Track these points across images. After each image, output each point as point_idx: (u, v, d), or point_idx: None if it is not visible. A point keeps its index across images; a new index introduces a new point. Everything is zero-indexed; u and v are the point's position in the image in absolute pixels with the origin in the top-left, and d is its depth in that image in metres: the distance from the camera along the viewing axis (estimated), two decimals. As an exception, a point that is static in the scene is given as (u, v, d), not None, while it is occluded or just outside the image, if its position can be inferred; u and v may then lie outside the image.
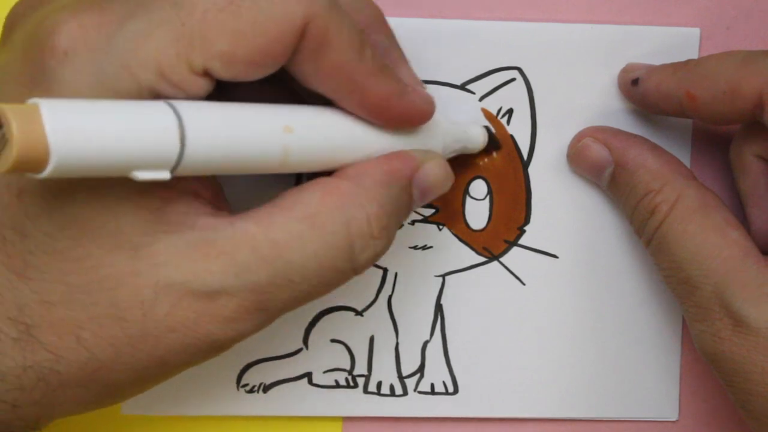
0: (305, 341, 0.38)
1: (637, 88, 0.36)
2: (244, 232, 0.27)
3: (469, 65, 0.37)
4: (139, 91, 0.25)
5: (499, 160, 0.38)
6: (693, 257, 0.33)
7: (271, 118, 0.28)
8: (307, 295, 0.29)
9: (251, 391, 0.38)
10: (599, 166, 0.36)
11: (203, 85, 0.26)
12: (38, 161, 0.22)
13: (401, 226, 0.34)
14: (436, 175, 0.32)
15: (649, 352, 0.39)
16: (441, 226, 0.38)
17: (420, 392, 0.38)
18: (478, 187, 0.38)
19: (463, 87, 0.37)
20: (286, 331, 0.38)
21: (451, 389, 0.38)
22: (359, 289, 0.38)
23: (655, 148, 0.36)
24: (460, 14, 0.37)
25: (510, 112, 0.38)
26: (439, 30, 0.37)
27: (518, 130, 0.38)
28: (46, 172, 0.22)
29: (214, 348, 0.28)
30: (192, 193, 0.28)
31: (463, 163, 0.37)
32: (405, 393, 0.38)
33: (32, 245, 0.27)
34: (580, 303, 0.38)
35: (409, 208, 0.31)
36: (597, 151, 0.36)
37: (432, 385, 0.38)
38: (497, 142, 0.37)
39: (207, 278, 0.27)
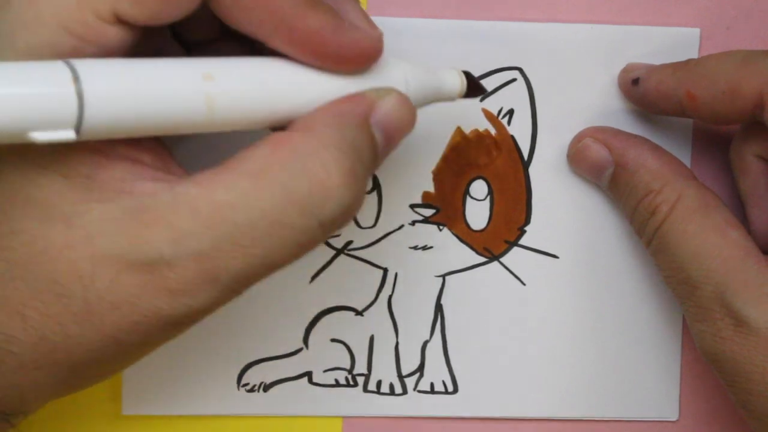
0: (305, 341, 0.38)
1: (638, 88, 0.36)
2: (184, 195, 0.25)
3: (469, 66, 0.37)
4: (40, 49, 0.24)
5: (500, 161, 0.38)
6: (693, 257, 0.33)
7: (189, 68, 0.26)
8: (266, 260, 0.26)
9: (252, 390, 0.38)
10: (599, 166, 0.36)
11: (117, 35, 0.25)
12: None
13: (372, 175, 0.30)
14: (395, 109, 0.28)
15: (649, 352, 0.39)
16: (441, 227, 0.38)
17: (420, 391, 0.39)
18: (479, 188, 0.38)
19: (463, 87, 0.37)
20: (286, 331, 0.38)
21: (450, 388, 0.39)
22: (359, 289, 0.38)
23: (655, 148, 0.36)
24: (461, 15, 0.37)
25: (511, 112, 0.38)
26: (440, 30, 0.37)
27: (519, 130, 0.38)
28: None
29: (167, 325, 0.26)
30: (127, 159, 0.26)
31: (463, 164, 0.37)
32: (405, 392, 0.39)
33: None
34: (581, 303, 0.38)
35: (374, 152, 0.28)
36: (597, 151, 0.36)
37: (432, 385, 0.39)
38: (480, 86, 0.33)
39: (144, 247, 0.25)
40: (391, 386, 0.38)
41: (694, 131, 0.38)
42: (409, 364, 0.38)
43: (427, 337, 0.38)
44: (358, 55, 0.28)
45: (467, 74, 0.32)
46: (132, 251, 0.25)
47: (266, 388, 0.38)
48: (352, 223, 0.38)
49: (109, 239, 0.25)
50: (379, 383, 0.38)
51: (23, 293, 0.26)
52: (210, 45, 0.30)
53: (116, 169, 0.26)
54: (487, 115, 0.37)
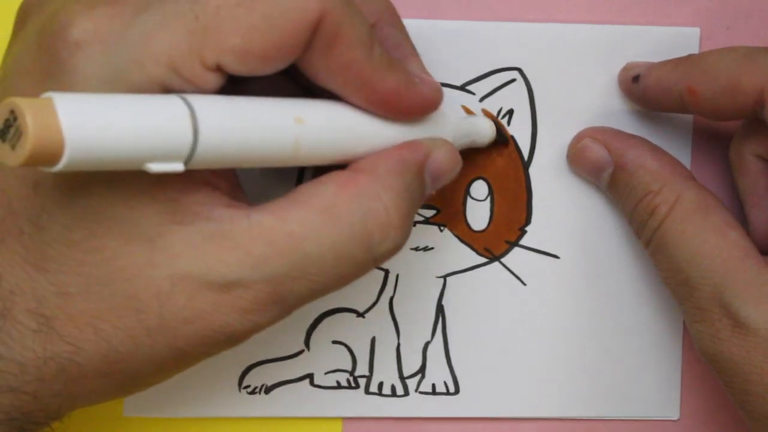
0: (307, 343, 0.38)
1: (638, 85, 0.36)
2: (260, 224, 0.27)
3: (469, 66, 0.37)
4: (150, 84, 0.25)
5: (500, 161, 0.38)
6: (692, 258, 0.33)
7: (283, 110, 0.28)
8: (325, 287, 0.29)
9: (253, 392, 0.38)
10: (599, 166, 0.36)
11: (215, 80, 0.26)
12: (52, 155, 0.22)
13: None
14: (446, 159, 0.32)
15: (650, 351, 0.39)
16: (442, 227, 0.38)
17: (421, 393, 0.38)
18: (479, 188, 0.38)
19: (463, 88, 0.37)
20: (287, 333, 0.38)
21: (452, 389, 0.39)
22: (360, 291, 0.38)
23: (654, 149, 0.36)
24: (461, 15, 0.37)
25: (510, 112, 0.38)
26: (440, 31, 0.37)
27: (519, 130, 0.38)
28: (60, 166, 0.22)
29: (231, 339, 0.28)
30: (208, 185, 0.28)
31: (463, 164, 0.37)
32: (406, 393, 0.39)
33: (49, 237, 0.27)
34: (581, 303, 0.38)
35: (423, 196, 0.31)
36: (596, 151, 0.36)
37: (433, 386, 0.39)
38: (505, 136, 0.37)
39: (223, 270, 0.27)
40: (393, 388, 0.38)
41: (694, 132, 0.38)
42: (410, 366, 0.38)
43: (429, 338, 0.38)
44: (424, 107, 0.31)
45: (496, 123, 0.37)
46: (211, 273, 0.27)
47: (268, 390, 0.38)
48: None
49: (189, 261, 0.27)
50: (380, 385, 0.38)
51: (98, 307, 0.27)
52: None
53: (198, 194, 0.27)
54: (487, 115, 0.37)
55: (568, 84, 0.38)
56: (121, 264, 0.27)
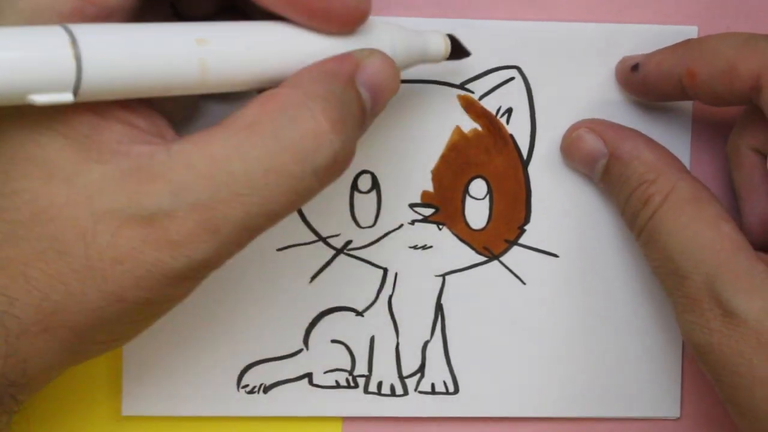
0: (305, 342, 0.38)
1: (637, 74, 0.36)
2: (180, 152, 0.26)
3: (468, 64, 0.37)
4: (41, 10, 0.25)
5: (499, 160, 0.38)
6: (684, 248, 0.33)
7: (182, 32, 0.27)
8: (264, 208, 0.27)
9: (251, 391, 0.38)
10: (593, 157, 0.36)
11: None
12: None
13: (361, 134, 0.31)
14: (379, 70, 0.30)
15: (650, 350, 0.38)
16: (441, 226, 0.38)
17: (420, 392, 0.38)
18: (478, 187, 0.38)
19: (462, 86, 0.37)
20: (286, 332, 0.38)
21: (451, 389, 0.38)
22: (359, 290, 0.38)
23: (649, 141, 0.36)
24: (459, 14, 0.37)
25: (509, 111, 0.38)
26: (439, 29, 0.37)
27: (518, 129, 0.38)
28: None
29: (170, 279, 0.27)
30: (125, 122, 0.27)
31: (463, 163, 0.37)
32: (405, 393, 0.38)
33: None
34: (581, 302, 0.38)
35: (361, 110, 0.29)
36: (592, 142, 0.36)
37: (432, 385, 0.38)
38: (464, 49, 0.35)
39: (144, 201, 0.26)
40: (392, 387, 0.38)
41: (693, 127, 0.38)
42: (409, 365, 0.38)
43: (428, 338, 0.38)
44: (347, 15, 0.29)
45: (452, 37, 0.34)
46: (132, 206, 0.26)
47: (266, 389, 0.38)
48: (352, 222, 0.38)
49: (109, 197, 0.26)
50: (379, 384, 0.38)
51: (26, 253, 0.26)
52: (207, 20, 0.30)
53: (113, 132, 0.27)
54: (488, 113, 0.37)
55: (567, 82, 0.38)
56: (41, 205, 0.26)
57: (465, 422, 0.39)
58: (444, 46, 0.33)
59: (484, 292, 0.38)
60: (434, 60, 0.34)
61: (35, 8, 0.25)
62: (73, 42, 0.25)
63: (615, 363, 0.38)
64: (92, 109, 0.26)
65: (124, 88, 0.26)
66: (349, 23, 0.30)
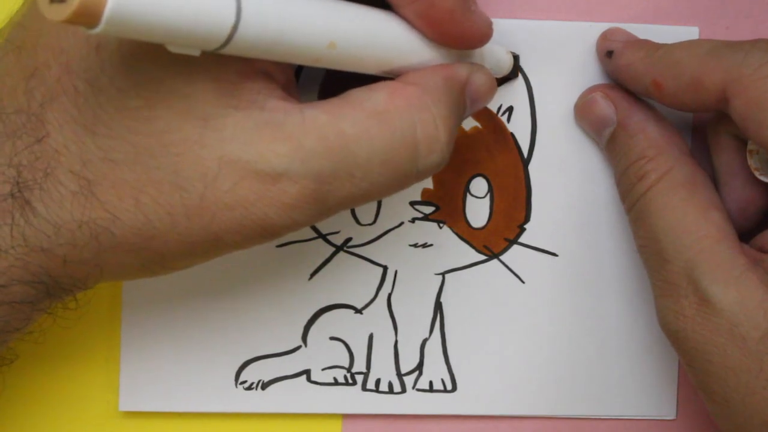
0: (304, 338, 0.38)
1: (610, 61, 0.36)
2: (313, 119, 0.27)
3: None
4: None
5: (500, 158, 0.38)
6: (670, 230, 0.33)
7: (320, 20, 0.28)
8: (366, 194, 0.29)
9: (250, 388, 0.38)
10: (602, 122, 0.36)
11: None
12: (93, 15, 0.22)
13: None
14: (485, 83, 0.32)
15: (647, 350, 0.39)
16: (441, 224, 0.38)
17: (418, 390, 0.38)
18: (479, 185, 0.38)
19: (464, 84, 0.37)
20: (284, 329, 0.38)
21: (449, 387, 0.38)
22: (359, 287, 0.38)
23: (659, 118, 0.36)
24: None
25: (510, 110, 0.38)
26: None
27: (518, 128, 0.38)
28: (98, 29, 0.22)
29: (267, 233, 0.28)
30: (266, 75, 0.28)
31: (463, 161, 0.37)
32: (403, 390, 0.38)
33: (104, 100, 0.27)
34: (580, 301, 0.38)
35: (463, 116, 0.32)
36: (604, 107, 0.36)
37: (430, 383, 0.38)
38: (517, 70, 0.37)
39: (272, 160, 0.27)
40: (390, 384, 0.38)
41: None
42: (408, 363, 0.38)
43: (427, 335, 0.38)
44: (476, 38, 0.31)
45: (515, 56, 0.37)
46: (261, 161, 0.27)
47: (264, 386, 0.38)
48: (352, 219, 0.38)
49: (240, 145, 0.27)
50: (377, 381, 0.38)
51: (143, 178, 0.27)
52: None
53: (255, 83, 0.27)
54: (489, 112, 0.37)
55: (568, 81, 0.38)
56: (172, 138, 0.27)
57: (462, 420, 0.39)
58: (509, 64, 0.36)
59: (483, 291, 0.38)
60: (497, 74, 0.36)
61: None
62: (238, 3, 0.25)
63: (612, 363, 0.39)
64: (242, 56, 0.27)
65: (263, 49, 0.26)
66: (475, 45, 0.32)
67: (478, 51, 0.33)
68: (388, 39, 0.30)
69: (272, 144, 0.27)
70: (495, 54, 0.35)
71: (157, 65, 0.26)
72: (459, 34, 0.30)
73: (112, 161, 0.27)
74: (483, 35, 0.31)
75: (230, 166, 0.27)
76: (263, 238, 0.28)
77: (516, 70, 0.37)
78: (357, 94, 0.29)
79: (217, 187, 0.27)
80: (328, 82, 0.36)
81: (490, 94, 0.33)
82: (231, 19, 0.25)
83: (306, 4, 0.27)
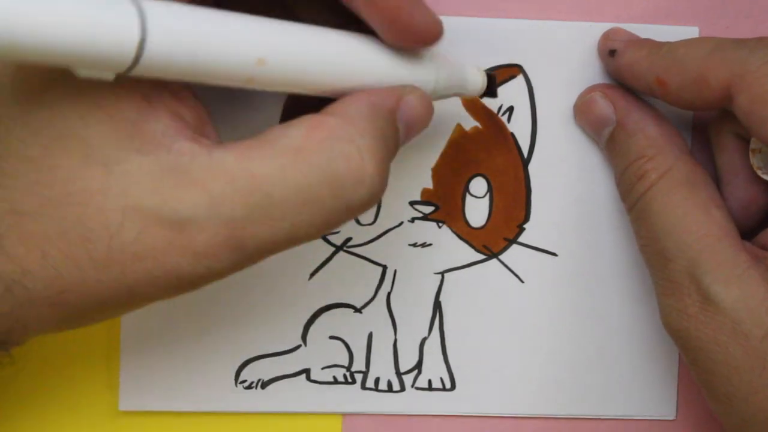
0: (304, 338, 0.38)
1: (612, 60, 0.36)
2: (221, 161, 0.26)
3: (470, 62, 0.37)
4: None
5: (500, 158, 0.38)
6: (672, 229, 0.33)
7: (243, 43, 0.26)
8: (290, 235, 0.27)
9: (249, 387, 0.38)
10: (602, 122, 0.36)
11: None
12: None
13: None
14: (418, 107, 0.30)
15: (646, 350, 0.39)
16: (441, 224, 0.38)
17: (417, 388, 0.38)
18: (478, 185, 0.38)
19: (464, 84, 0.37)
20: (284, 328, 0.38)
21: (448, 386, 0.38)
22: (358, 286, 0.38)
23: (659, 117, 0.36)
24: (461, 11, 0.37)
25: (510, 109, 0.38)
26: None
27: (519, 127, 0.38)
28: None
29: (182, 283, 0.27)
30: (172, 114, 0.27)
31: (463, 161, 0.37)
32: (402, 389, 0.38)
33: (5, 151, 0.26)
34: (579, 301, 0.38)
35: (397, 144, 0.30)
36: (603, 107, 0.36)
37: (429, 382, 0.38)
38: (495, 89, 0.35)
39: (177, 206, 0.26)
40: (389, 383, 0.38)
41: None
42: (407, 361, 0.38)
43: (426, 334, 0.38)
44: (425, 35, 0.29)
45: (489, 76, 0.34)
46: (165, 208, 0.26)
47: (264, 385, 0.38)
48: (352, 219, 0.37)
49: (143, 192, 0.26)
50: (377, 380, 0.38)
51: (49, 230, 0.26)
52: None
53: (159, 121, 0.26)
54: (489, 111, 0.37)
55: (568, 81, 0.38)
56: (75, 187, 0.26)
57: (461, 419, 0.39)
58: (481, 84, 0.34)
59: (482, 290, 0.38)
60: (470, 95, 0.34)
61: None
62: (142, 21, 0.24)
63: (611, 363, 0.39)
64: (143, 94, 0.26)
65: (185, 67, 0.25)
66: (423, 42, 0.30)
67: (430, 69, 0.32)
68: (326, 54, 0.28)
69: (177, 190, 0.26)
70: (461, 72, 0.33)
71: (52, 110, 0.26)
72: (406, 27, 0.29)
73: (19, 213, 0.26)
74: (432, 32, 0.29)
75: (135, 214, 0.26)
76: (180, 290, 0.27)
77: (494, 90, 0.34)
78: (274, 132, 0.27)
79: (123, 236, 0.26)
80: (289, 112, 0.34)
81: (425, 117, 0.31)
82: (137, 31, 0.24)
83: (227, 17, 0.26)
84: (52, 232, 0.26)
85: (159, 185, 0.26)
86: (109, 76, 0.24)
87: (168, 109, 0.27)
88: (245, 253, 0.27)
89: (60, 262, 0.26)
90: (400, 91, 0.30)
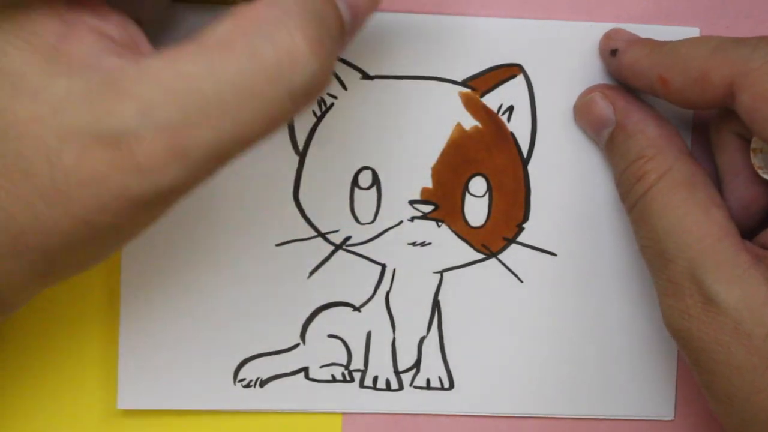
0: (302, 336, 0.38)
1: (614, 60, 0.36)
2: (150, 68, 0.25)
3: (470, 62, 0.37)
4: None
5: (499, 157, 0.38)
6: (672, 230, 0.33)
7: None
8: (236, 134, 0.26)
9: (248, 385, 0.38)
10: (601, 122, 0.36)
11: None
12: None
13: (339, 54, 0.30)
14: None
15: (645, 351, 0.39)
16: (440, 223, 0.38)
17: (416, 387, 0.38)
18: (478, 184, 0.38)
19: (464, 83, 0.37)
20: (283, 327, 0.38)
21: (446, 385, 0.38)
22: (357, 285, 0.38)
23: (658, 117, 0.36)
24: (462, 11, 0.37)
25: (510, 109, 0.38)
26: (441, 26, 0.37)
27: (519, 127, 0.38)
28: None
29: (136, 206, 0.26)
30: (95, 31, 0.26)
31: (462, 160, 0.37)
32: (401, 388, 0.38)
33: None
34: (578, 301, 0.38)
35: (340, 26, 0.28)
36: (602, 107, 0.36)
37: (428, 381, 0.38)
38: None
39: (111, 121, 0.24)
40: (388, 382, 0.38)
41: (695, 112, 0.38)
42: (405, 360, 0.38)
43: (424, 334, 0.38)
44: None
45: None
46: (98, 125, 0.24)
47: (263, 383, 0.38)
48: (351, 218, 0.37)
49: (75, 113, 0.25)
50: (375, 379, 0.38)
51: None
52: None
53: (83, 42, 0.26)
54: (489, 111, 0.37)
55: (568, 81, 0.38)
56: (8, 120, 0.25)
57: (460, 418, 0.39)
58: None
59: (481, 290, 0.38)
60: None
61: None
62: None
63: (609, 363, 0.39)
64: (60, 17, 0.25)
65: None
66: None
67: None
68: None
69: (108, 104, 0.24)
70: None
71: None
72: None
73: None
74: None
75: (71, 137, 0.24)
76: (136, 215, 0.26)
77: None
78: (204, 31, 0.26)
79: (63, 163, 0.25)
80: None
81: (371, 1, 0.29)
82: None
83: None
84: None
85: (90, 104, 0.25)
86: None
87: (91, 28, 0.26)
88: (191, 160, 0.25)
89: (8, 203, 0.25)
90: None
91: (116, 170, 0.25)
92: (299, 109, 0.27)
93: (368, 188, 0.37)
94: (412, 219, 0.38)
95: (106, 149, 0.25)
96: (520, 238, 0.38)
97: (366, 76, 0.37)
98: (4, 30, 0.25)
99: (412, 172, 0.37)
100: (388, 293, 0.38)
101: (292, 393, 0.38)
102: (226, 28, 0.26)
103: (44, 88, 0.25)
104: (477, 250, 0.38)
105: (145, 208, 0.26)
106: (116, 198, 0.25)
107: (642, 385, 0.39)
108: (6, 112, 0.25)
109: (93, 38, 0.26)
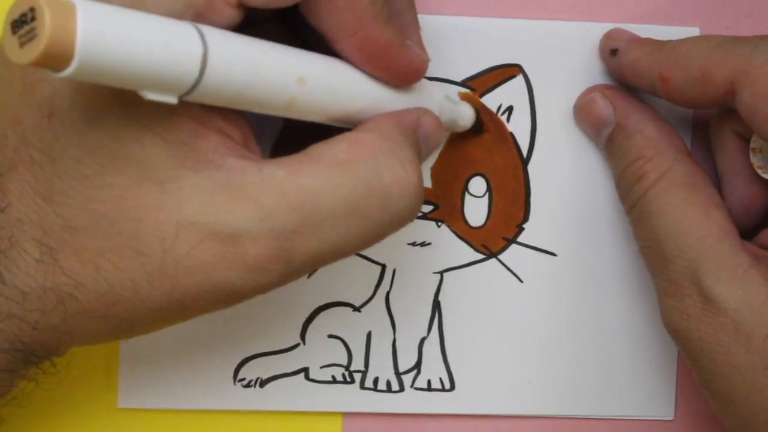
0: (302, 336, 0.38)
1: (615, 59, 0.36)
2: (272, 176, 0.27)
3: (469, 62, 0.37)
4: (168, 12, 0.25)
5: (499, 157, 0.38)
6: (672, 230, 0.33)
7: (286, 63, 0.28)
8: (336, 248, 0.28)
9: (248, 385, 0.38)
10: (601, 123, 0.36)
11: (231, 16, 0.27)
12: (63, 58, 0.22)
13: None
14: (432, 126, 0.32)
15: (645, 351, 0.39)
16: (440, 223, 0.38)
17: (416, 388, 0.38)
18: (478, 184, 0.38)
19: (463, 83, 0.37)
20: (283, 327, 0.38)
21: (447, 386, 0.38)
22: (357, 286, 0.38)
23: (658, 118, 0.36)
24: (461, 11, 0.37)
25: (510, 109, 0.38)
26: (441, 26, 0.37)
27: (518, 127, 0.38)
28: (68, 71, 0.22)
29: (231, 298, 0.28)
30: (221, 132, 0.28)
31: (462, 160, 0.37)
32: (401, 389, 0.38)
33: (60, 169, 0.27)
34: (578, 301, 0.38)
35: (422, 158, 0.31)
36: (602, 107, 0.36)
37: (428, 382, 0.38)
38: (481, 124, 0.37)
39: (230, 220, 0.26)
40: (388, 383, 0.38)
41: (695, 112, 0.38)
42: (406, 361, 0.38)
43: (425, 334, 0.38)
44: (412, 73, 0.31)
45: (476, 110, 0.37)
46: (218, 222, 0.26)
47: (263, 383, 0.38)
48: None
49: (197, 208, 0.26)
50: (376, 380, 0.38)
51: (103, 245, 0.27)
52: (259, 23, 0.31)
53: (210, 141, 0.27)
54: (489, 111, 0.37)
55: (568, 81, 0.38)
56: (129, 204, 0.26)
57: (460, 419, 0.39)
58: (470, 120, 0.36)
59: (481, 290, 0.38)
60: (460, 128, 0.36)
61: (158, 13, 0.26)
62: (204, 50, 0.25)
63: (610, 363, 0.39)
64: (194, 116, 0.27)
65: (230, 96, 0.26)
66: (411, 79, 0.31)
67: (431, 99, 0.33)
68: (349, 77, 0.30)
69: (230, 204, 0.26)
70: (451, 106, 0.35)
71: (108, 131, 0.26)
72: (395, 67, 0.30)
73: (72, 229, 0.27)
74: (417, 69, 0.31)
75: (188, 229, 0.26)
76: (227, 303, 0.28)
77: (481, 125, 0.37)
78: (317, 149, 0.28)
79: (176, 250, 0.26)
80: (282, 143, 0.35)
81: (438, 135, 0.32)
82: (199, 53, 0.25)
83: (267, 44, 0.27)
84: (105, 246, 0.27)
85: (212, 201, 0.26)
86: (173, 99, 0.25)
87: (217, 129, 0.28)
88: (293, 266, 0.27)
89: (113, 275, 0.27)
90: (416, 112, 0.32)
91: (225, 265, 0.27)
92: (395, 230, 0.29)
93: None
94: (412, 219, 0.38)
95: (220, 245, 0.26)
96: (520, 239, 0.38)
97: (366, 77, 0.37)
98: (143, 125, 0.26)
99: (411, 172, 0.37)
100: (388, 293, 0.38)
101: (292, 393, 0.38)
102: (343, 149, 0.28)
103: (171, 180, 0.26)
104: (477, 251, 0.38)
105: (236, 299, 0.28)
106: (216, 289, 0.27)
107: (642, 385, 0.39)
108: (129, 196, 0.26)
109: (218, 137, 0.27)
